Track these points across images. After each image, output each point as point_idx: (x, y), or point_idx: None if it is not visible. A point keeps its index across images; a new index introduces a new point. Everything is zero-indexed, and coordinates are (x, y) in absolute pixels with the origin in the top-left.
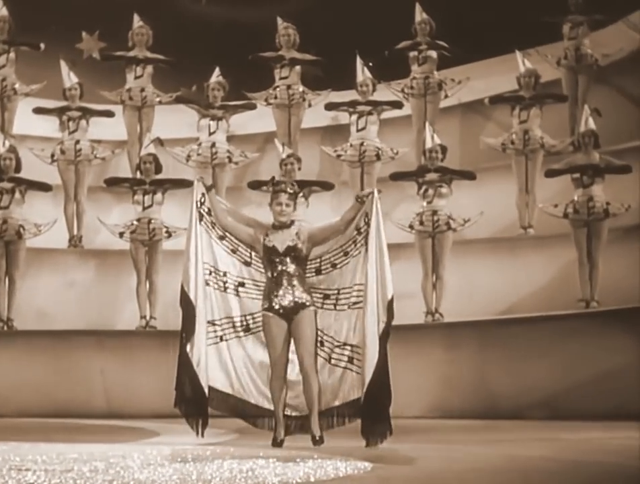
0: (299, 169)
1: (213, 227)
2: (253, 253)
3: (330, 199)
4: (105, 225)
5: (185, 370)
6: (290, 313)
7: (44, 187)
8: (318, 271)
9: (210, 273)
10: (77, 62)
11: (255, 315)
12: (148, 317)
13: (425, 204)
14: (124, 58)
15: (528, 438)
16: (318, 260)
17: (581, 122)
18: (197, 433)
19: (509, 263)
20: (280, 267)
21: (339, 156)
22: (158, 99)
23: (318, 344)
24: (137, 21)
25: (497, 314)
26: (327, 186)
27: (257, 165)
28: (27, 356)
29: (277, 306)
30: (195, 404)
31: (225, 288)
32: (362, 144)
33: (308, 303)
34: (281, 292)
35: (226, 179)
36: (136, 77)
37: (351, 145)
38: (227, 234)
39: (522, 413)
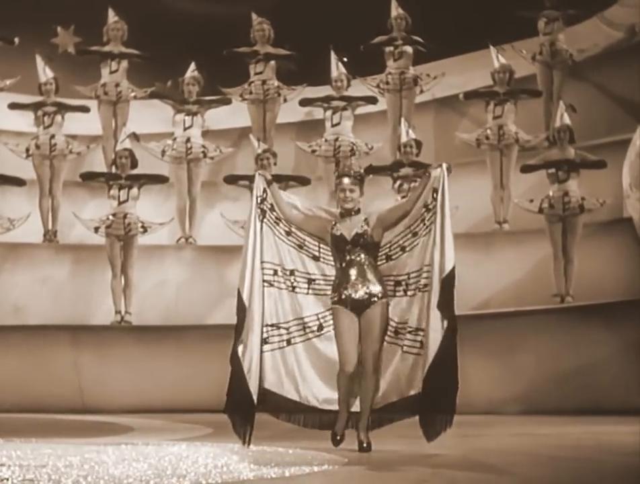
0: (275, 164)
1: (277, 223)
2: (322, 246)
3: (306, 195)
4: (81, 220)
5: (236, 376)
6: (361, 307)
7: (18, 182)
8: (388, 258)
9: (275, 273)
10: (53, 56)
11: (328, 312)
12: (123, 312)
13: (399, 198)
14: (99, 53)
15: (503, 433)
16: (387, 246)
17: (557, 117)
18: (244, 442)
19: (484, 258)
20: (349, 257)
21: (313, 151)
22: (133, 94)
23: (393, 334)
24: (112, 16)
25: (472, 309)
26: (303, 181)
27: (232, 160)
28: (1, 351)
29: (347, 300)
30: (242, 411)
31: (293, 288)
32: (336, 139)
33: (380, 295)
34: (351, 284)
35: (201, 174)
36: (111, 72)
37: (325, 140)
38: (293, 228)
39: (497, 408)
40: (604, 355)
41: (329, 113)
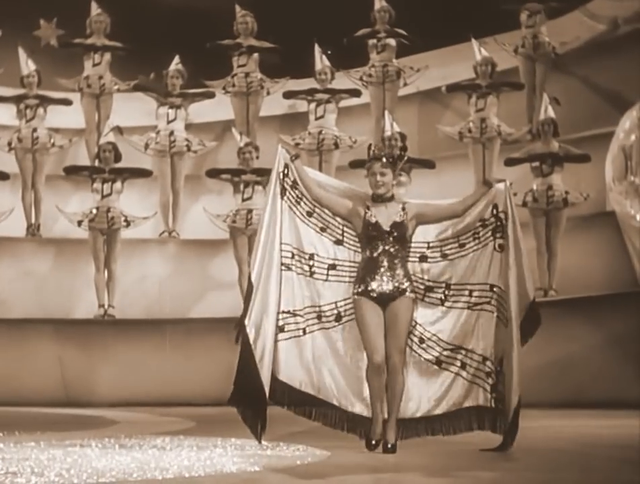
0: (257, 157)
1: (299, 202)
2: (346, 230)
3: None
4: (64, 213)
5: (246, 365)
6: (387, 300)
7: (1, 175)
8: (423, 258)
9: (293, 257)
10: (35, 49)
11: (348, 301)
12: (106, 306)
13: None
14: (82, 46)
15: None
16: (425, 245)
17: (540, 111)
18: (257, 437)
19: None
20: (381, 247)
21: (297, 144)
22: (116, 87)
23: (418, 341)
24: (95, 9)
25: None
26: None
27: (215, 154)
28: None
29: (373, 291)
30: (253, 404)
31: (312, 273)
32: (320, 132)
33: (409, 290)
34: (379, 275)
35: (184, 167)
36: (94, 65)
37: (309, 133)
38: (317, 209)
39: None
40: (587, 348)
41: (312, 106)
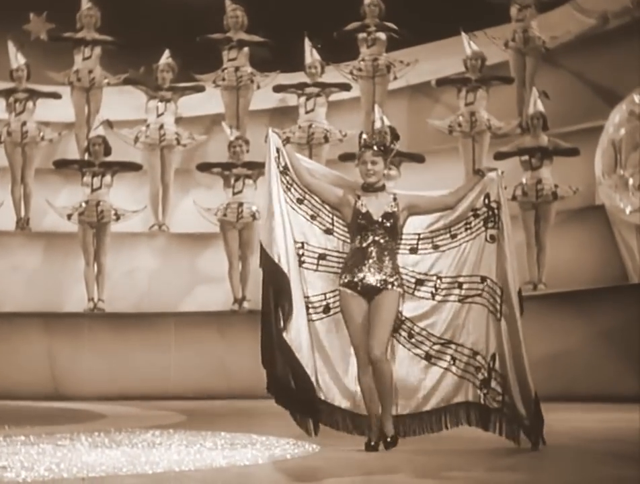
0: (247, 151)
1: (289, 188)
2: (336, 219)
3: None
4: (53, 207)
5: (286, 360)
6: (372, 292)
7: None
8: (413, 250)
9: None
10: (25, 43)
11: (337, 292)
12: (96, 300)
13: None
14: (72, 40)
15: None
16: (415, 237)
17: (530, 105)
18: (311, 433)
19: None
20: (371, 237)
21: (287, 138)
22: (106, 81)
23: (407, 336)
24: (85, 3)
25: None
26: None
27: (205, 147)
28: None
29: (359, 283)
30: (305, 399)
31: (301, 262)
32: (310, 126)
33: (396, 283)
34: (366, 267)
35: (174, 161)
36: (84, 59)
37: (299, 127)
38: (307, 196)
39: None
40: (576, 342)
41: (302, 99)
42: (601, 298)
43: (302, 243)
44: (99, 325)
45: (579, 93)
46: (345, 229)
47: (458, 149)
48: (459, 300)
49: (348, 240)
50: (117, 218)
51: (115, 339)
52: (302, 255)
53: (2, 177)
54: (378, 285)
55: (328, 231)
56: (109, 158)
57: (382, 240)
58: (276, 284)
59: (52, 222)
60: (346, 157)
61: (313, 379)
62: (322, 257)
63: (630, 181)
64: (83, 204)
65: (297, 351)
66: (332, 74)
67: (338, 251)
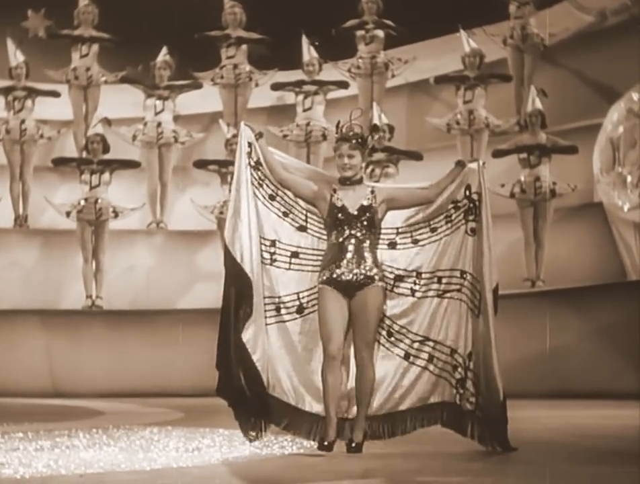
0: None
1: (261, 184)
2: (310, 215)
3: None
4: (52, 204)
5: (238, 362)
6: (353, 289)
7: None
8: (392, 245)
9: None
10: (23, 40)
11: (312, 292)
12: (94, 297)
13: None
14: (70, 37)
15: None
16: (394, 231)
17: (528, 102)
18: (257, 437)
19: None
20: (347, 232)
21: (285, 136)
22: (104, 79)
23: (386, 334)
24: (83, 0)
25: None
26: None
27: (203, 145)
28: None
29: (338, 279)
30: (256, 402)
31: (273, 261)
32: (308, 124)
33: (376, 277)
34: (345, 262)
35: (172, 159)
36: (82, 56)
37: (297, 125)
38: (280, 192)
39: None
40: (574, 339)
41: (300, 97)
42: (599, 295)
43: (274, 241)
44: (97, 323)
45: (577, 91)
46: (321, 225)
47: (456, 147)
48: (438, 295)
49: (324, 237)
50: (116, 216)
51: (113, 336)
52: (274, 253)
53: (0, 174)
54: (358, 280)
55: (301, 228)
56: (107, 156)
57: (359, 235)
58: (238, 285)
59: (50, 220)
60: None
61: (271, 382)
62: (294, 255)
63: (629, 178)
64: (82, 202)
65: (253, 353)
66: (330, 72)
67: (313, 249)
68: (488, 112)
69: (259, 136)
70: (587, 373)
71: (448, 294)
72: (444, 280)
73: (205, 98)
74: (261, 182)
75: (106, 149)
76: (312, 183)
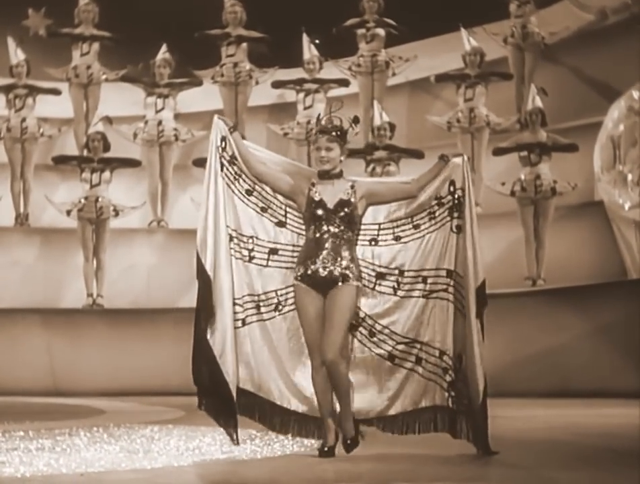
0: None
1: (237, 179)
2: (289, 210)
3: None
4: (53, 203)
5: (206, 362)
6: (327, 286)
7: None
8: (374, 241)
9: (231, 239)
10: (24, 39)
11: (290, 289)
12: (94, 295)
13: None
14: (71, 35)
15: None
16: (375, 227)
17: (528, 100)
18: (232, 440)
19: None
20: (325, 227)
21: (286, 134)
22: (104, 77)
23: (368, 334)
24: None
25: None
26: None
27: (203, 143)
28: None
29: (312, 276)
30: (221, 405)
31: (251, 258)
32: (308, 122)
33: (351, 276)
34: (320, 259)
35: (173, 157)
36: (83, 54)
37: (298, 123)
38: (257, 187)
39: None
40: (575, 337)
41: (301, 95)
42: (599, 293)
43: (252, 237)
44: (97, 321)
45: (577, 89)
46: (301, 221)
47: (457, 145)
48: (424, 296)
49: (303, 233)
50: (116, 214)
51: (114, 335)
52: (252, 250)
53: (1, 172)
54: (333, 278)
55: (280, 224)
56: (108, 155)
57: (337, 230)
58: (200, 282)
59: (51, 218)
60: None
61: (257, 382)
62: (273, 251)
63: (629, 176)
64: (82, 200)
65: (219, 356)
66: (330, 70)
67: (292, 245)
68: (489, 110)
69: (232, 129)
70: (587, 371)
71: (435, 295)
72: (429, 280)
73: (205, 96)
74: (237, 177)
75: (107, 147)
76: (289, 178)
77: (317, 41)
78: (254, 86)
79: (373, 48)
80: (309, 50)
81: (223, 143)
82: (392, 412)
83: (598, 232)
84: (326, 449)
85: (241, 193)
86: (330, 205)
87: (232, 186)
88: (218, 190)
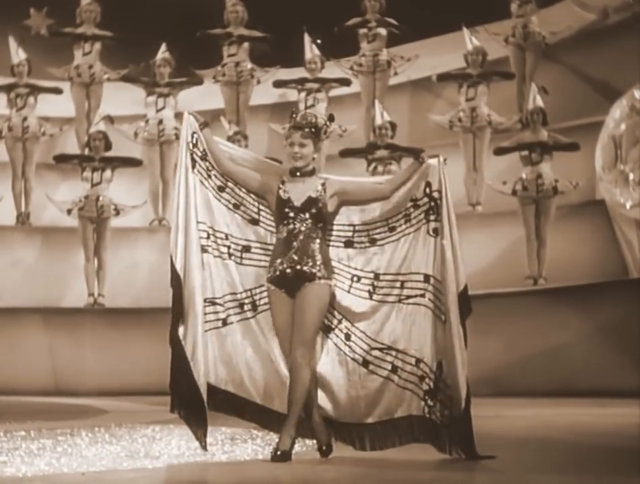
0: (246, 146)
1: (210, 176)
2: (262, 208)
3: None
4: (54, 202)
5: (178, 364)
6: (295, 285)
7: None
8: (349, 243)
9: (208, 237)
10: (25, 38)
11: (264, 288)
12: (96, 295)
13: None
14: (72, 35)
15: (472, 415)
16: (350, 229)
17: (529, 100)
18: (200, 443)
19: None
20: (293, 225)
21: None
22: (106, 76)
23: (344, 337)
24: None
25: None
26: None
27: None
28: None
29: (281, 276)
30: (192, 407)
31: (230, 255)
32: None
33: (319, 275)
34: (288, 258)
35: (173, 156)
36: (84, 54)
37: None
38: (229, 184)
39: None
40: (576, 337)
41: (302, 95)
42: (601, 292)
43: (226, 235)
44: (99, 321)
45: (579, 88)
46: (272, 218)
47: (458, 144)
48: (400, 301)
49: (274, 231)
50: (117, 213)
51: (115, 334)
52: (230, 247)
53: (2, 172)
54: (300, 277)
55: (253, 221)
56: (109, 154)
57: (305, 229)
58: (171, 281)
59: (52, 217)
60: (347, 153)
61: (238, 381)
62: (246, 249)
63: (631, 176)
64: (83, 199)
65: (190, 358)
66: (332, 70)
67: (265, 243)
68: (490, 110)
69: (203, 125)
70: (588, 371)
71: (411, 300)
72: (406, 285)
73: (207, 96)
74: (209, 173)
75: (108, 146)
76: (259, 176)
77: (319, 40)
78: (255, 85)
79: (375, 47)
80: (311, 50)
81: (194, 139)
82: (369, 420)
83: (599, 232)
84: (278, 453)
85: (214, 189)
86: (297, 203)
87: (206, 183)
88: (189, 187)
